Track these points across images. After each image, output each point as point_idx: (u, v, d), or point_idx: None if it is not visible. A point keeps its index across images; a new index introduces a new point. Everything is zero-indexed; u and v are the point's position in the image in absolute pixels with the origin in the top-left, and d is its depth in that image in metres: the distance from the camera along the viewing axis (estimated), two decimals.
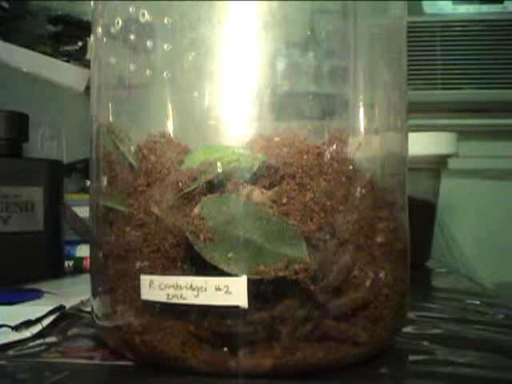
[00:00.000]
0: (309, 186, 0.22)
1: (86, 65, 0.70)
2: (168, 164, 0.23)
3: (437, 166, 0.61)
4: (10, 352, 0.26)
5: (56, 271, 0.47)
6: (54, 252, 0.47)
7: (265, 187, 0.22)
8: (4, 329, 0.28)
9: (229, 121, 0.23)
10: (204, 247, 0.21)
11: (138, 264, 0.23)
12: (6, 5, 0.69)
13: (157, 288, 0.22)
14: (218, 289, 0.21)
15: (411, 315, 0.33)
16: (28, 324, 0.29)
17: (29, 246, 0.44)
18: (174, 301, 0.22)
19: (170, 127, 0.24)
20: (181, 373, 0.23)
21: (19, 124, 0.46)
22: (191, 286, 0.21)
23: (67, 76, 0.69)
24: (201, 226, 0.21)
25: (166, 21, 0.24)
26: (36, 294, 0.37)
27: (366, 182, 0.24)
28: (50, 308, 0.31)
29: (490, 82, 1.16)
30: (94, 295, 0.26)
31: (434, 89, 1.17)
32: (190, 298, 0.21)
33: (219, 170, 0.22)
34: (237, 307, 0.21)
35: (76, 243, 0.52)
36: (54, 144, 0.65)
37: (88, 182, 0.60)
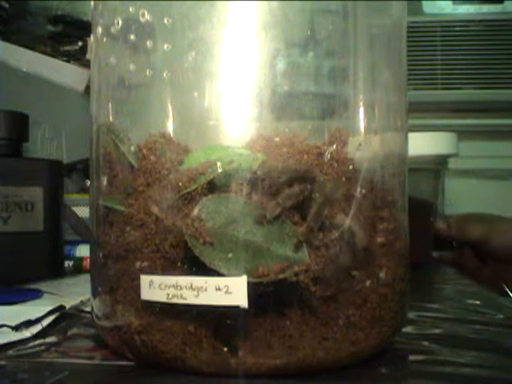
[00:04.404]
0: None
1: (86, 65, 0.70)
2: (168, 164, 0.23)
3: (437, 166, 0.61)
4: (10, 352, 0.26)
5: (56, 271, 0.47)
6: (54, 252, 0.47)
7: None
8: (4, 329, 0.28)
9: (229, 121, 0.23)
10: (203, 250, 0.21)
11: (138, 264, 0.23)
12: (6, 5, 0.69)
13: (157, 288, 0.22)
14: (217, 289, 0.21)
15: (411, 315, 0.33)
16: (28, 324, 0.29)
17: (29, 246, 0.44)
18: (174, 301, 0.22)
19: (170, 127, 0.24)
20: (181, 373, 0.23)
21: (19, 124, 0.46)
22: (191, 285, 0.21)
23: (67, 76, 0.69)
24: (200, 228, 0.21)
25: (165, 21, 0.24)
26: (36, 294, 0.37)
27: (366, 182, 0.24)
28: (50, 308, 0.31)
29: (490, 81, 1.16)
30: (94, 295, 0.26)
31: (434, 89, 1.17)
32: (190, 298, 0.21)
33: (219, 171, 0.22)
34: (237, 307, 0.21)
35: (76, 243, 0.52)
36: (54, 144, 0.65)
37: (88, 182, 0.60)
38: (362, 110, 0.25)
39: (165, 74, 0.24)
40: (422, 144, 0.56)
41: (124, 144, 0.25)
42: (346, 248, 0.22)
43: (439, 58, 1.17)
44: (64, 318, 0.32)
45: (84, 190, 0.67)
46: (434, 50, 1.17)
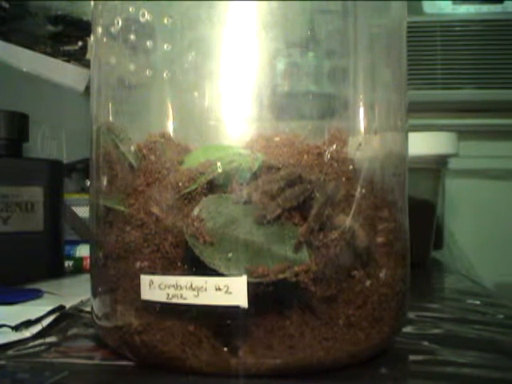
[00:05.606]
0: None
1: (86, 65, 0.70)
2: (168, 164, 0.23)
3: (437, 166, 0.61)
4: (10, 352, 0.26)
5: (56, 271, 0.47)
6: (54, 252, 0.47)
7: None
8: (4, 329, 0.28)
9: (229, 121, 0.23)
10: (204, 250, 0.21)
11: (138, 264, 0.23)
12: (6, 5, 0.69)
13: (157, 288, 0.22)
14: (217, 289, 0.21)
15: (411, 315, 0.33)
16: (28, 324, 0.29)
17: (29, 246, 0.44)
18: (174, 301, 0.22)
19: (170, 127, 0.24)
20: (181, 373, 0.23)
21: (19, 124, 0.46)
22: (191, 285, 0.21)
23: (67, 76, 0.69)
24: (200, 228, 0.21)
25: (165, 21, 0.24)
26: (36, 294, 0.37)
27: (366, 182, 0.24)
28: (49, 308, 0.31)
29: (490, 82, 1.16)
30: (94, 295, 0.26)
31: (434, 89, 1.17)
32: (190, 298, 0.21)
33: (219, 170, 0.22)
34: (237, 307, 0.21)
35: (76, 243, 0.52)
36: (54, 144, 0.65)
37: (88, 182, 0.60)
38: (362, 110, 0.25)
39: (165, 74, 0.24)
40: (422, 144, 0.56)
41: (124, 144, 0.25)
42: (346, 248, 0.22)
43: (439, 58, 1.17)
44: (64, 318, 0.32)
45: (84, 189, 0.67)
46: (433, 50, 1.17)
